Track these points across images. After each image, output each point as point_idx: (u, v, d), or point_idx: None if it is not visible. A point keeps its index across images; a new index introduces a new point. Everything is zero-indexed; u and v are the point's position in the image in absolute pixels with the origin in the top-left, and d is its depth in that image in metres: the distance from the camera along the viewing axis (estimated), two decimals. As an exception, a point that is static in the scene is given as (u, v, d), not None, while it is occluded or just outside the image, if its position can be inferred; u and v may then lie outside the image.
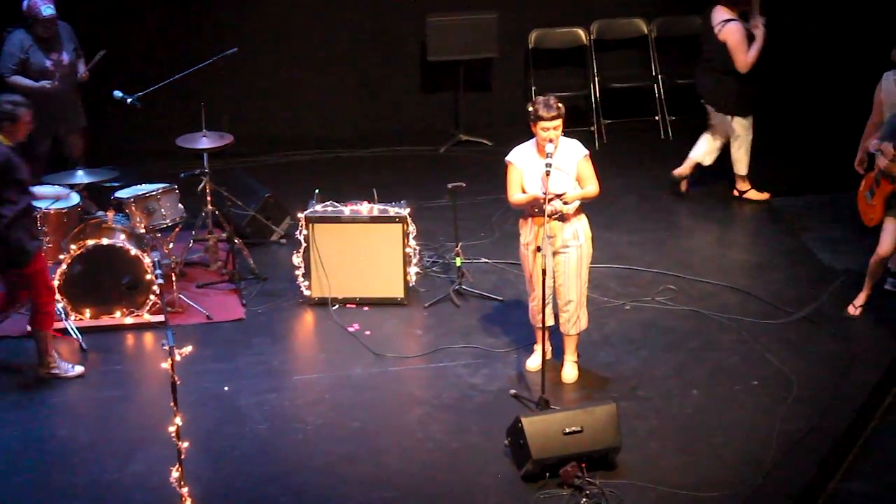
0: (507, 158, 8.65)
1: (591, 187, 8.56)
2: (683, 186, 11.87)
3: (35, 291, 8.89)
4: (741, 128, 11.43)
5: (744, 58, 11.13)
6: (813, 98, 13.51)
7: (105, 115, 11.41)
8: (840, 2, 13.45)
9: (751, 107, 11.46)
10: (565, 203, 8.43)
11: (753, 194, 11.64)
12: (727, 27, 11.12)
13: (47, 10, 10.63)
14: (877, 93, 9.79)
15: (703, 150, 11.71)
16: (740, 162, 11.57)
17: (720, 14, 11.20)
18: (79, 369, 9.13)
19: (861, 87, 10.42)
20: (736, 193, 11.69)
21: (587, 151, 8.57)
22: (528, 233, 8.65)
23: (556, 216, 8.45)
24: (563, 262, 8.61)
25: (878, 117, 9.76)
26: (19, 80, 10.69)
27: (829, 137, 12.71)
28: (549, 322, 8.65)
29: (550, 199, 8.33)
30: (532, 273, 8.68)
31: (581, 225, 8.61)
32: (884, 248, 9.44)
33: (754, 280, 10.26)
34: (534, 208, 8.51)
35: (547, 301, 8.48)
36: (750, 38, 11.15)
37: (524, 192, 8.53)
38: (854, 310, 9.68)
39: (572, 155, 8.52)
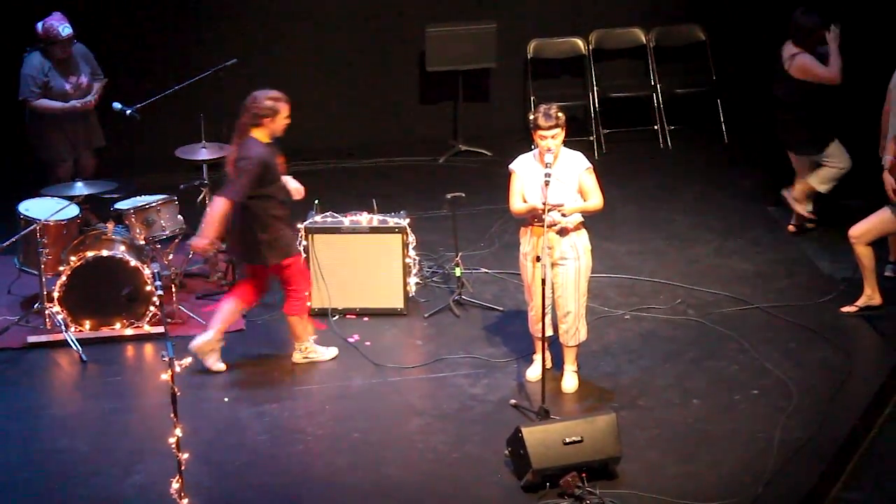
0: (511, 166, 8.67)
1: (594, 200, 8.56)
2: (811, 219, 11.23)
3: (295, 280, 9.07)
4: (834, 159, 10.78)
5: (825, 72, 10.52)
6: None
7: (104, 127, 11.40)
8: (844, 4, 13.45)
9: (827, 136, 10.81)
10: (563, 216, 8.43)
11: (800, 207, 11.18)
12: (795, 60, 10.60)
13: (66, 31, 10.59)
14: (891, 81, 9.83)
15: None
16: (823, 179, 10.88)
17: (788, 49, 10.71)
18: (333, 351, 9.37)
19: (862, 95, 10.44)
20: (785, 194, 11.24)
21: (589, 164, 8.56)
22: (527, 242, 8.65)
23: (555, 228, 8.44)
24: (561, 275, 8.60)
25: (889, 106, 9.81)
26: (46, 102, 10.71)
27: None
28: (549, 332, 8.65)
29: (549, 210, 8.33)
30: (531, 283, 8.68)
31: (580, 239, 8.60)
32: (855, 229, 9.51)
33: (754, 289, 10.26)
34: (533, 218, 8.52)
35: (546, 311, 8.48)
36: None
37: (525, 201, 8.54)
38: (850, 307, 9.70)
39: (574, 167, 8.53)
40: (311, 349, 9.32)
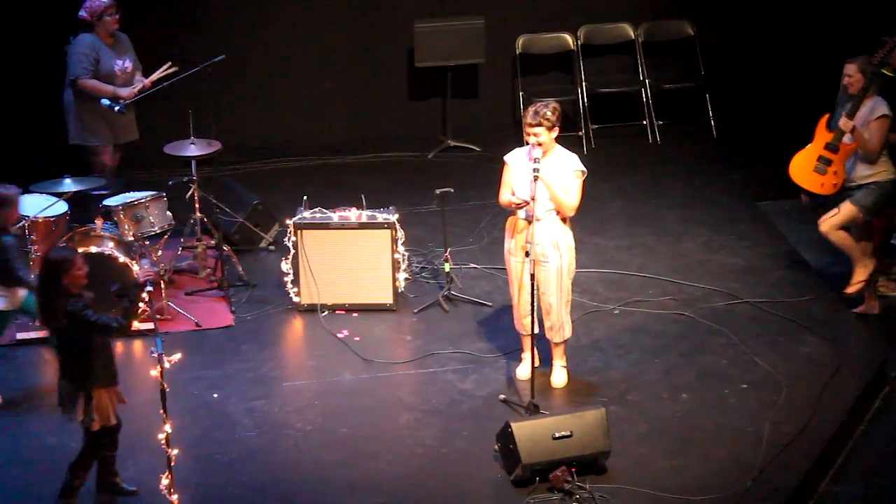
0: (505, 157, 8.68)
1: (568, 199, 8.49)
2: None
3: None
4: None
5: None
6: (795, 100, 13.53)
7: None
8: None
9: None
10: (537, 178, 8.38)
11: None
12: None
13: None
14: None
15: None
16: None
17: None
18: None
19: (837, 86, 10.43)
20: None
21: (581, 168, 8.52)
22: (510, 238, 8.67)
23: (535, 220, 8.45)
24: (542, 273, 8.60)
25: None
26: (97, 83, 10.55)
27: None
28: (536, 330, 8.65)
29: (520, 205, 8.38)
30: (514, 279, 8.70)
31: (563, 237, 8.59)
32: (824, 225, 9.56)
33: (742, 283, 10.27)
34: (516, 209, 8.54)
35: (535, 305, 8.50)
36: None
37: (514, 194, 8.55)
38: (851, 287, 9.71)
39: (564, 167, 8.52)
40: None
